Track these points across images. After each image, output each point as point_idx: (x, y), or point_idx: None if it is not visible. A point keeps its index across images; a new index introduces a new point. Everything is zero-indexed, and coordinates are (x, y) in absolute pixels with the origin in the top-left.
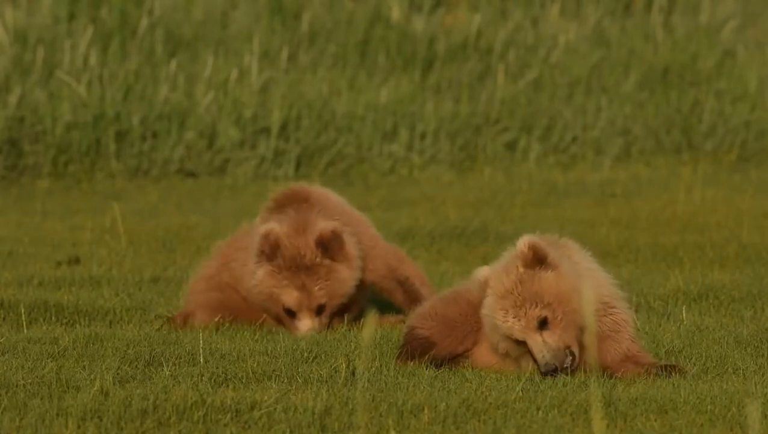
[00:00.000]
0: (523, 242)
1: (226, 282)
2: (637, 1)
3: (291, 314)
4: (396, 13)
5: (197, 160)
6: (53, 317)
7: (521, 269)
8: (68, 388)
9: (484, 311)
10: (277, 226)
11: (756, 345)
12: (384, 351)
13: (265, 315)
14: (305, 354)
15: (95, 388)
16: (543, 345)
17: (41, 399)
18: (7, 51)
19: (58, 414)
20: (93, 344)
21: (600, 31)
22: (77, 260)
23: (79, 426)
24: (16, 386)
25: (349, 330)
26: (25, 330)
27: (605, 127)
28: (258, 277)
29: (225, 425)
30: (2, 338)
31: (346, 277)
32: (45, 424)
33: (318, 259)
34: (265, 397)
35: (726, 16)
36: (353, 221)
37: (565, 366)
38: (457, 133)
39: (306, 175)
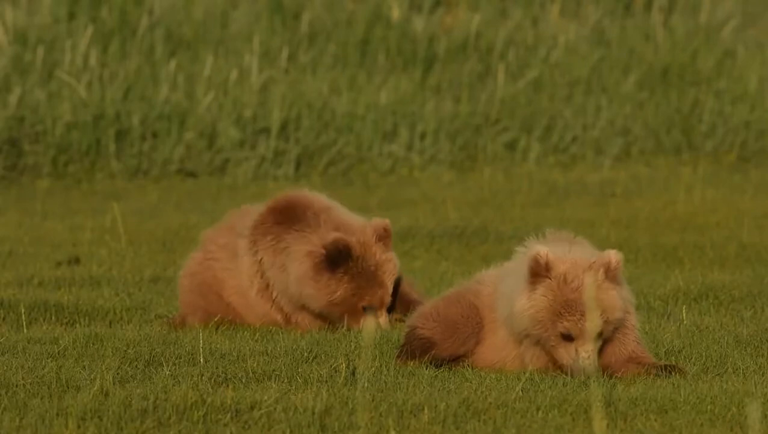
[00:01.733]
0: (615, 256)
1: (208, 284)
2: (637, 1)
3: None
4: (396, 13)
5: (197, 160)
6: (53, 317)
7: (600, 278)
8: (68, 388)
9: (539, 297)
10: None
11: (756, 345)
12: (384, 351)
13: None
14: (305, 354)
15: (95, 388)
16: (591, 355)
17: (41, 399)
18: (7, 51)
19: (58, 414)
20: (93, 344)
21: (600, 31)
22: (77, 260)
23: (79, 426)
24: (16, 386)
25: (349, 330)
26: (25, 330)
27: (605, 127)
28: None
29: (225, 425)
30: (2, 338)
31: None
32: (45, 424)
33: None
34: (265, 397)
35: (726, 16)
36: (354, 226)
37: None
38: (457, 133)
39: (306, 175)
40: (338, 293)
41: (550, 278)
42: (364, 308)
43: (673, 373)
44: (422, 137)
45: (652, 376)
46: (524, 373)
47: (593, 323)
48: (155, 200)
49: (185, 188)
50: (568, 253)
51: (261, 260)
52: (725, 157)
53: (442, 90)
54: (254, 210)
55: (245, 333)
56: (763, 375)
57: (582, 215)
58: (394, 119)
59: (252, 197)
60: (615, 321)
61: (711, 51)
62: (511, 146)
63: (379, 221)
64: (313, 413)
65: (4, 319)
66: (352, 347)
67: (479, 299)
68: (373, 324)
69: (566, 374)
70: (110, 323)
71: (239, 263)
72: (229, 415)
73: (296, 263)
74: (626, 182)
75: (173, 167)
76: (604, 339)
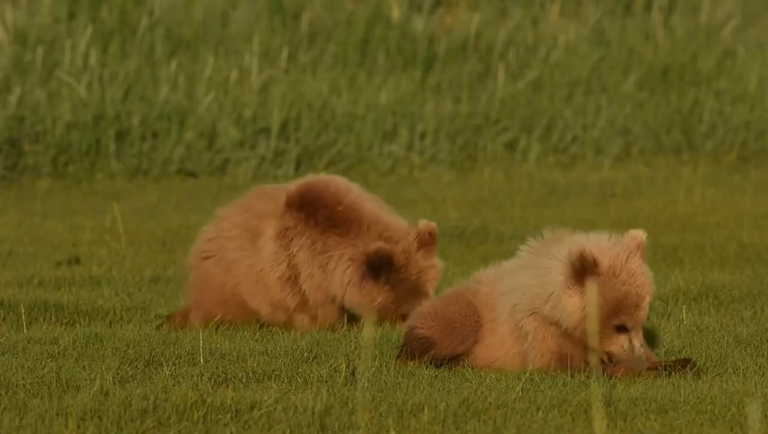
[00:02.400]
0: (641, 234)
1: (214, 275)
2: (637, 1)
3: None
4: (396, 13)
5: (197, 160)
6: (53, 317)
7: (639, 262)
8: (68, 388)
9: (593, 293)
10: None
11: (756, 345)
12: (384, 351)
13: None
14: (305, 354)
15: (95, 388)
16: (642, 344)
17: (41, 399)
18: (7, 51)
19: (58, 414)
20: (93, 344)
21: (600, 31)
22: (77, 260)
23: (79, 426)
24: (16, 386)
25: (349, 330)
26: (25, 330)
27: (605, 127)
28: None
29: (225, 425)
30: (2, 338)
31: None
32: (45, 424)
33: None
34: (265, 397)
35: (726, 16)
36: (398, 231)
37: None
38: (457, 133)
39: (306, 175)
40: (379, 301)
41: (598, 274)
42: (402, 316)
43: (682, 369)
44: (422, 137)
45: (653, 376)
46: (524, 373)
47: (646, 312)
48: (155, 200)
49: (185, 188)
50: (605, 244)
51: (293, 253)
52: (725, 157)
53: (442, 90)
54: (274, 192)
55: (245, 333)
56: (763, 375)
57: (582, 215)
58: (394, 118)
59: None
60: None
61: (711, 51)
62: (511, 146)
63: (424, 226)
64: (313, 413)
65: (4, 319)
66: (352, 347)
67: (477, 298)
68: (373, 325)
69: (610, 365)
70: (110, 323)
71: (259, 245)
72: (229, 415)
73: (340, 268)
74: (626, 182)
75: (173, 167)
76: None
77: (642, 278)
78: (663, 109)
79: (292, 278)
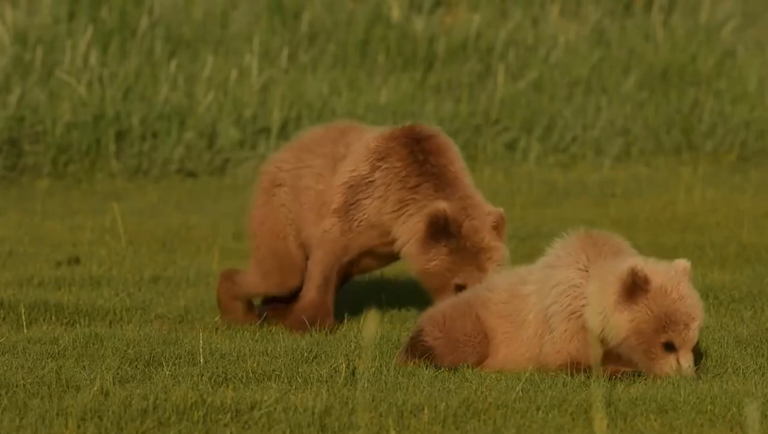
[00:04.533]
0: (687, 264)
1: (280, 228)
2: (637, 1)
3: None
4: (396, 13)
5: (197, 160)
6: (53, 317)
7: (691, 286)
8: (68, 388)
9: (643, 309)
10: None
11: (756, 345)
12: (384, 351)
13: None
14: (305, 354)
15: (95, 388)
16: (689, 366)
17: (41, 399)
18: (7, 51)
19: (58, 414)
20: (93, 344)
21: (600, 31)
22: (77, 260)
23: (79, 426)
24: (16, 386)
25: (349, 330)
26: (25, 330)
27: (605, 127)
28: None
29: (225, 425)
30: (2, 338)
31: None
32: (45, 424)
33: None
34: (265, 397)
35: (726, 16)
36: (476, 205)
37: None
38: (457, 133)
39: None
40: (434, 262)
41: (649, 291)
42: (457, 287)
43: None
44: None
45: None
46: (524, 373)
47: (695, 333)
48: (155, 200)
49: (185, 188)
50: (657, 265)
51: (380, 198)
52: (725, 157)
53: (442, 90)
54: (367, 131)
55: (245, 333)
56: (763, 375)
57: (582, 215)
58: (394, 119)
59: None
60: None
61: (711, 51)
62: (511, 146)
63: (495, 210)
64: (313, 413)
65: (4, 319)
66: (352, 347)
67: (488, 309)
68: (373, 325)
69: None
70: (110, 323)
71: (335, 174)
72: (229, 415)
73: (416, 217)
74: (626, 182)
75: (173, 167)
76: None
77: (692, 300)
78: (663, 109)
79: (353, 216)
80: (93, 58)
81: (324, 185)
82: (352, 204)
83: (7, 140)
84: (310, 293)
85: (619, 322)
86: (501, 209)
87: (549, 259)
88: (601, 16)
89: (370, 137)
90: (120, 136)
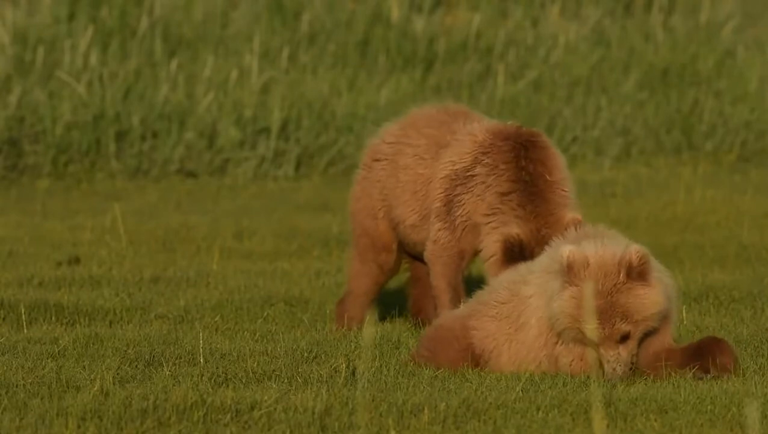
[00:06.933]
0: (636, 253)
1: (373, 205)
2: (637, 1)
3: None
4: (396, 13)
5: (197, 160)
6: (53, 317)
7: (623, 279)
8: (68, 388)
9: (568, 298)
10: None
11: (756, 345)
12: (384, 351)
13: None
14: (305, 354)
15: (95, 388)
16: (618, 359)
17: (41, 399)
18: (7, 51)
19: (58, 414)
20: (93, 344)
21: (600, 31)
22: (77, 260)
23: (79, 426)
24: (16, 386)
25: (349, 330)
26: (25, 330)
27: (605, 127)
28: None
29: (225, 425)
30: (2, 338)
31: None
32: (45, 424)
33: None
34: (265, 397)
35: (726, 16)
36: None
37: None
38: None
39: (306, 175)
40: None
41: (574, 284)
42: None
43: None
44: None
45: (691, 375)
46: (524, 373)
47: (615, 329)
48: (155, 200)
49: (185, 188)
50: (594, 252)
51: (479, 196)
52: (725, 157)
53: (442, 90)
54: (476, 120)
55: (245, 333)
56: (763, 375)
57: (582, 215)
58: (394, 119)
59: (252, 197)
60: (649, 319)
61: (711, 51)
62: None
63: (572, 221)
64: (313, 413)
65: (4, 319)
66: (352, 347)
67: (483, 316)
68: (373, 325)
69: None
70: (110, 323)
71: (437, 161)
72: (229, 415)
73: (491, 237)
74: (626, 182)
75: (173, 167)
76: (646, 333)
77: (614, 298)
78: (663, 109)
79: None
80: (93, 58)
81: (423, 168)
82: (452, 200)
83: (7, 140)
84: (444, 310)
85: (554, 310)
86: (579, 217)
87: (548, 262)
88: (601, 16)
89: (478, 127)
90: (120, 136)
